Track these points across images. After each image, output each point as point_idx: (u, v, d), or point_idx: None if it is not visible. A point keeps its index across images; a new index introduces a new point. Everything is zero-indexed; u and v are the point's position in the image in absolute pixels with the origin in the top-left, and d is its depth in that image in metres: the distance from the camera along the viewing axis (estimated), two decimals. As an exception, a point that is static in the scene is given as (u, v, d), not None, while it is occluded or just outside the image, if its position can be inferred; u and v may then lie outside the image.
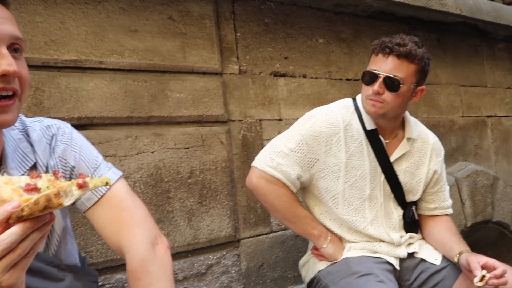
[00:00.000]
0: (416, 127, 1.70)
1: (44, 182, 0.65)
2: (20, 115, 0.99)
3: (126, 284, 1.66)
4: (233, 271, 1.94)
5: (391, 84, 1.48)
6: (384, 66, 1.49)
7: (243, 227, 2.00)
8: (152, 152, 1.76)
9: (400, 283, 1.62)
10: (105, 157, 1.09)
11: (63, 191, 0.61)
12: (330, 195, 1.59)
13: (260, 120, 2.14)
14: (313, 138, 1.55)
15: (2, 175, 0.88)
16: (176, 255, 1.73)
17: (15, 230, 0.58)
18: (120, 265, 1.63)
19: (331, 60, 2.47)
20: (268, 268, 2.07)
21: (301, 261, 1.78)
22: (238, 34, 2.10)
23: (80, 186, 0.64)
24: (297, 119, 2.29)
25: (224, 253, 1.93)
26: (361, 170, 1.59)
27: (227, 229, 1.94)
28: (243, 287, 1.96)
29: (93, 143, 1.09)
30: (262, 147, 2.17)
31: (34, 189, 0.62)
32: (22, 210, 0.58)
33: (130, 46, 1.74)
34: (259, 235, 2.06)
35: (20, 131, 0.96)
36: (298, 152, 1.55)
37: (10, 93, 0.77)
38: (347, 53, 2.54)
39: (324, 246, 1.59)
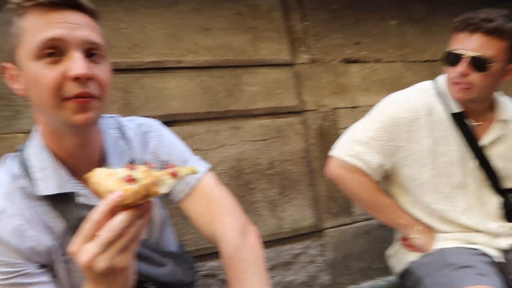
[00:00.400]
0: (509, 107, 1.55)
1: (139, 173, 0.70)
2: (115, 115, 1.07)
3: (218, 272, 1.71)
4: (319, 261, 1.91)
5: (478, 64, 1.35)
6: (469, 44, 1.36)
7: (325, 217, 1.97)
8: (232, 145, 1.81)
9: (506, 277, 1.47)
10: (190, 151, 1.13)
11: (158, 180, 0.66)
12: (415, 184, 1.50)
13: (334, 108, 2.10)
14: (392, 124, 1.47)
15: None
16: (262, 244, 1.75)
17: (122, 218, 0.64)
18: (212, 253, 1.69)
19: (405, 41, 2.35)
20: (354, 259, 2.01)
21: (389, 252, 1.70)
22: (306, 23, 2.08)
23: (173, 175, 0.69)
24: (372, 105, 2.22)
25: (309, 243, 1.91)
26: (447, 157, 1.47)
27: (309, 219, 1.92)
28: (331, 277, 1.93)
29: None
30: (338, 136, 2.12)
31: (132, 179, 0.67)
32: (126, 199, 0.63)
33: (204, 44, 1.81)
34: (342, 225, 2.01)
35: (117, 130, 1.04)
36: (378, 140, 1.48)
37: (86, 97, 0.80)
38: (422, 34, 2.41)
39: (414, 236, 1.50)
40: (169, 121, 1.71)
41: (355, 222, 2.05)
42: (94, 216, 0.64)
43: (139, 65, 1.69)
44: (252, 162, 1.84)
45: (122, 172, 0.70)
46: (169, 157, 1.06)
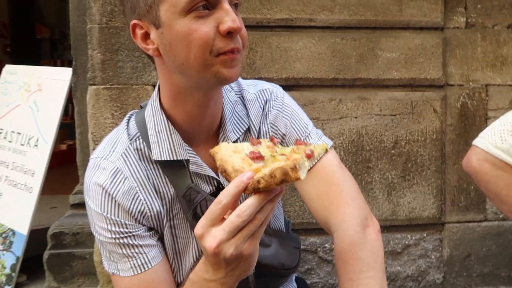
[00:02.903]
0: None
1: (264, 149, 0.63)
2: None
3: (319, 248, 1.66)
4: (432, 257, 1.73)
5: None
6: None
7: (450, 210, 1.74)
8: (355, 117, 1.64)
9: None
10: (308, 119, 1.02)
11: (298, 164, 0.56)
12: None
13: (486, 85, 1.76)
14: None
15: (223, 138, 0.91)
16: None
17: (252, 202, 0.58)
18: (315, 229, 1.63)
19: None
20: (476, 261, 1.77)
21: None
22: (469, -23, 1.71)
23: (308, 156, 0.59)
24: None
25: (425, 235, 1.72)
26: None
27: (431, 209, 1.71)
28: (443, 276, 1.74)
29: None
30: (486, 119, 1.82)
31: (259, 157, 0.61)
32: (258, 182, 0.57)
33: (342, 1, 1.60)
34: (469, 221, 1.76)
35: (236, 94, 0.97)
36: None
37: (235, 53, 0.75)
38: None
39: None
40: (291, 85, 1.61)
41: (485, 221, 1.78)
42: (222, 198, 0.60)
43: (268, 22, 1.58)
44: (375, 139, 1.67)
45: (247, 147, 0.64)
46: (288, 130, 0.96)
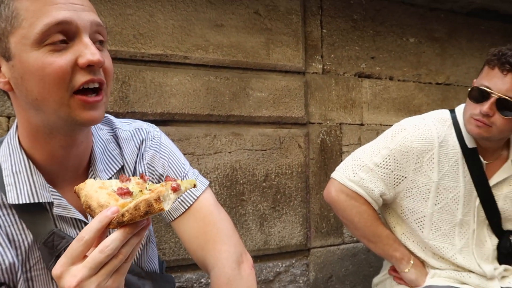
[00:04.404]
0: None
1: (134, 185, 0.63)
2: (109, 115, 0.96)
3: (195, 284, 1.64)
4: (300, 281, 1.86)
5: (505, 107, 1.27)
6: (501, 84, 1.27)
7: (314, 236, 1.91)
8: (230, 152, 1.71)
9: None
10: (184, 154, 1.04)
11: (162, 195, 0.59)
12: (415, 217, 1.45)
13: (340, 124, 2.01)
14: (402, 153, 1.40)
15: (95, 178, 0.85)
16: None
17: (116, 236, 0.57)
18: (190, 265, 1.62)
19: (421, 61, 2.26)
20: (337, 281, 1.96)
21: (376, 280, 1.65)
22: (324, 30, 1.97)
23: (174, 190, 0.62)
24: (380, 124, 2.17)
25: (293, 261, 1.85)
26: (453, 193, 1.42)
27: (298, 237, 1.85)
28: (310, 299, 1.88)
29: (173, 140, 1.05)
30: (341, 153, 2.08)
31: (127, 193, 0.61)
32: (122, 215, 0.57)
33: (215, 41, 1.68)
34: (330, 245, 1.95)
35: (109, 132, 0.93)
36: (384, 168, 1.41)
37: (96, 85, 0.72)
38: (439, 54, 2.31)
39: (406, 270, 1.46)
40: (166, 120, 1.60)
41: (343, 244, 1.99)
42: (84, 234, 0.57)
43: (141, 57, 1.56)
44: (248, 173, 1.75)
45: (115, 184, 0.63)
46: (166, 170, 0.96)
